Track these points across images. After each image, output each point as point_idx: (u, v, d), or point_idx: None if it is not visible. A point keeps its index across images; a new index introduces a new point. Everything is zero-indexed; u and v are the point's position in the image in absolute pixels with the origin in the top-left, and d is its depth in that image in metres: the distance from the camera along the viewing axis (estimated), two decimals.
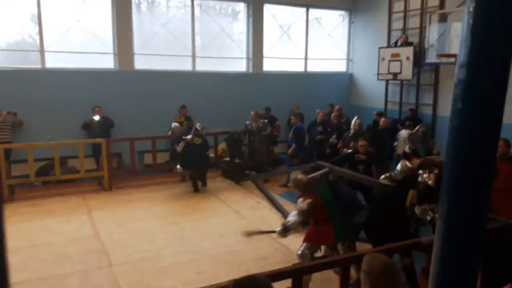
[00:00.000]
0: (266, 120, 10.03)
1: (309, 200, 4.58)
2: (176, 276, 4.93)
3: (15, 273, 4.87)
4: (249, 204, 7.70)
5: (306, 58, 12.37)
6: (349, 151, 7.68)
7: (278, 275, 3.48)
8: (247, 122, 9.93)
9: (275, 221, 6.74)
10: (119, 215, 7.13)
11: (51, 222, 6.71)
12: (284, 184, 8.86)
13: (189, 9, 10.64)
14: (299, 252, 4.72)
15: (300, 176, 4.87)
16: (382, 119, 9.16)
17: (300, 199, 4.70)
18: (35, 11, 9.01)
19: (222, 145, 10.00)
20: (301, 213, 4.62)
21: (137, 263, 5.30)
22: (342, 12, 12.87)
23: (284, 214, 6.86)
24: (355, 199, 5.48)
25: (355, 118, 8.42)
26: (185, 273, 4.98)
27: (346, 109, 11.10)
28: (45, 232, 6.29)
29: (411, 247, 3.91)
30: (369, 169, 7.04)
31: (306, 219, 4.72)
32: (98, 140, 8.66)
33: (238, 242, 5.95)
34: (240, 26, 11.57)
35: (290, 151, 9.33)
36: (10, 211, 7.34)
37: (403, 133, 8.66)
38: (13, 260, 5.27)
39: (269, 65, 11.78)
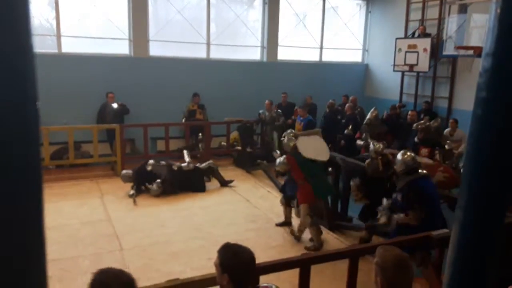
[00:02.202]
0: (279, 111, 9.98)
1: (282, 161, 5.66)
2: (186, 261, 4.98)
3: None
4: (259, 194, 7.70)
5: (321, 48, 12.24)
6: (362, 142, 7.64)
7: (286, 264, 3.48)
8: (260, 111, 9.91)
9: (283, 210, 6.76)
10: (130, 200, 7.19)
11: (64, 205, 6.81)
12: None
13: None
14: (299, 216, 5.58)
15: (285, 140, 5.77)
16: (410, 112, 8.98)
17: (283, 158, 5.72)
18: None
19: (234, 134, 10.01)
20: (282, 165, 5.69)
21: (147, 247, 5.36)
22: (359, 1, 12.67)
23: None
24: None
25: (372, 109, 8.30)
26: (194, 259, 5.03)
27: (361, 100, 10.99)
28: (58, 215, 6.38)
29: (422, 241, 3.87)
30: None
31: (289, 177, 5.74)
32: (113, 125, 8.74)
33: (248, 230, 5.99)
34: (255, 14, 11.49)
35: None
36: None
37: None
38: None
39: (283, 54, 11.70)
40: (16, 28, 0.92)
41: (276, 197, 7.33)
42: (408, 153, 4.75)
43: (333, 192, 6.03)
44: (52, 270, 4.58)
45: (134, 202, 7.05)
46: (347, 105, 9.75)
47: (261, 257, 2.91)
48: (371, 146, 5.50)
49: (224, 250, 2.19)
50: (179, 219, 6.33)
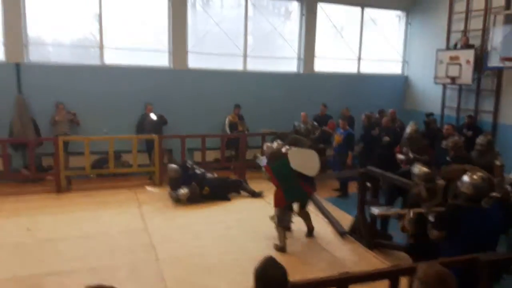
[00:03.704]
0: (315, 123, 9.88)
1: (264, 170, 6.20)
2: (220, 275, 4.96)
3: (69, 262, 5.12)
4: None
5: (359, 59, 12.07)
6: (402, 157, 7.42)
7: (323, 282, 3.39)
8: (296, 123, 9.84)
9: (321, 226, 6.64)
10: (167, 210, 7.30)
11: (103, 214, 6.98)
12: (338, 188, 8.75)
13: (243, 8, 10.70)
14: (270, 216, 5.96)
15: (274, 146, 6.27)
16: (446, 127, 8.59)
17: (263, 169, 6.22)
18: (97, 10, 9.43)
19: None
20: (264, 174, 6.25)
21: (183, 259, 5.38)
22: (399, 12, 12.43)
23: (331, 219, 6.74)
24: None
25: (411, 123, 8.03)
26: (229, 273, 5.00)
27: (400, 113, 10.70)
28: (97, 223, 6.55)
29: (467, 263, 3.67)
30: None
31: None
32: (151, 136, 8.92)
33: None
34: (292, 26, 11.49)
35: (349, 161, 8.83)
36: (67, 200, 7.75)
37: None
38: (67, 248, 5.48)
39: (320, 66, 11.62)
40: None
41: (311, 211, 7.22)
42: (478, 173, 3.92)
43: (302, 197, 6.19)
44: (91, 280, 4.69)
45: (178, 200, 7.58)
46: (384, 118, 9.53)
47: (295, 275, 2.85)
48: (416, 169, 4.90)
49: (259, 266, 2.23)
50: (214, 232, 6.33)
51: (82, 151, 8.46)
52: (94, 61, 9.60)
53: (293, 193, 5.92)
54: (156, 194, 8.04)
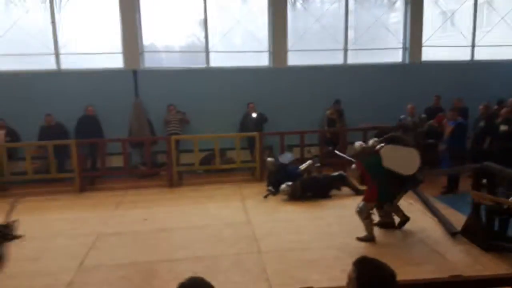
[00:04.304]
0: (424, 115, 9.27)
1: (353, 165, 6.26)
2: (322, 271, 4.92)
3: (178, 250, 5.52)
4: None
5: (473, 46, 11.03)
6: None
7: (432, 285, 3.17)
8: (402, 117, 9.34)
9: (429, 225, 6.23)
10: (269, 205, 7.48)
11: (210, 207, 7.40)
12: (445, 191, 8.06)
13: (343, 2, 10.48)
14: (357, 208, 5.77)
15: (356, 146, 6.38)
16: None
17: (353, 166, 6.27)
18: (203, 17, 10.02)
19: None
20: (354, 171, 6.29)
21: (284, 252, 5.46)
22: None
23: (440, 218, 6.28)
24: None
25: None
26: (330, 269, 4.94)
27: None
28: (204, 215, 6.96)
29: None
30: None
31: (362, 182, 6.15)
32: (253, 133, 9.22)
33: (386, 245, 5.67)
34: (396, 16, 10.93)
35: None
36: (178, 194, 8.39)
37: None
38: (177, 238, 5.91)
39: (428, 55, 10.87)
40: None
41: (418, 209, 6.81)
42: None
43: (391, 199, 6.07)
44: (197, 267, 5.02)
45: (266, 196, 7.74)
46: (504, 109, 8.57)
47: (400, 275, 2.70)
48: None
49: (362, 265, 2.02)
50: (315, 227, 6.31)
51: (192, 148, 9.06)
52: (200, 64, 10.23)
53: (387, 193, 5.86)
54: (258, 189, 8.26)
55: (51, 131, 9.20)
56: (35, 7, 9.57)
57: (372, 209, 5.82)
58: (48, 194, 8.41)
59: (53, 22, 9.61)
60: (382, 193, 5.78)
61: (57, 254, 5.53)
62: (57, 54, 9.75)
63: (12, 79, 9.52)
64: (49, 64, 9.73)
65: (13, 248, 5.84)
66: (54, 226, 6.60)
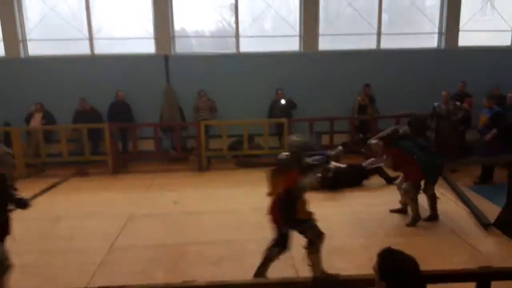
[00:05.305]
0: (458, 103, 8.95)
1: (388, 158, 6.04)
2: (348, 259, 4.90)
3: (207, 233, 5.62)
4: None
5: None
6: None
7: (460, 275, 3.12)
8: (435, 104, 9.04)
9: (461, 216, 6.07)
10: None
11: (238, 192, 7.46)
12: (478, 182, 7.80)
13: None
14: (404, 190, 5.81)
15: (374, 141, 6.18)
16: None
17: (384, 156, 6.09)
18: (233, 1, 9.96)
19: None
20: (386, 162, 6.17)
21: None
22: None
23: (473, 209, 6.11)
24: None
25: None
26: (357, 257, 4.91)
27: None
28: (232, 200, 7.03)
29: None
30: None
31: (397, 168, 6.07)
32: (281, 120, 9.18)
33: (416, 234, 5.57)
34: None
35: (489, 136, 7.74)
36: (207, 178, 8.51)
37: None
38: (206, 221, 5.99)
39: (465, 40, 10.45)
40: None
41: (450, 199, 6.64)
42: None
43: (434, 181, 5.95)
44: (225, 251, 5.10)
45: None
46: None
47: (429, 265, 2.65)
48: None
49: (385, 256, 2.02)
50: (342, 215, 6.26)
51: (220, 134, 9.12)
52: (230, 49, 10.21)
53: (431, 171, 5.78)
54: None
55: (86, 115, 9.47)
56: None
57: (419, 189, 5.78)
58: (82, 175, 8.72)
59: (87, 8, 9.81)
60: (428, 172, 5.74)
61: (90, 234, 5.74)
62: (91, 39, 9.97)
63: (49, 63, 9.82)
64: (83, 49, 9.98)
65: (49, 227, 6.07)
66: (87, 207, 6.85)
